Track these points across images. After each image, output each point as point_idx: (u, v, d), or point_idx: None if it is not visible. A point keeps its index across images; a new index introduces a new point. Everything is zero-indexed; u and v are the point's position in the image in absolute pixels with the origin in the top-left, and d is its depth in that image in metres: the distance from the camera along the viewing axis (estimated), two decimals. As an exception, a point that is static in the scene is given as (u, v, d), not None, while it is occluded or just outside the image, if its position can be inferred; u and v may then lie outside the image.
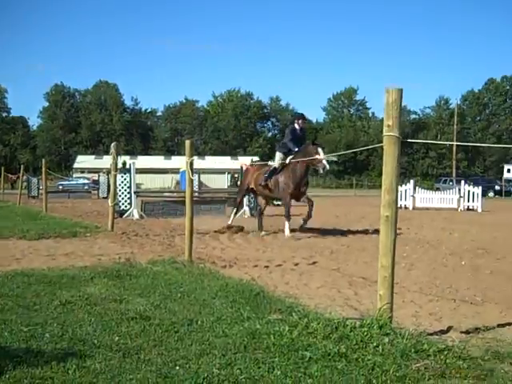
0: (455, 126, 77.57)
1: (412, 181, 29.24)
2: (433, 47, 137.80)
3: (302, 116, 14.21)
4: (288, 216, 13.28)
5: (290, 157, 13.48)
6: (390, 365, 3.86)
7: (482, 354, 4.21)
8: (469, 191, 27.95)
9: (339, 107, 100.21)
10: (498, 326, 5.29)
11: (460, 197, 27.64)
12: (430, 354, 4.12)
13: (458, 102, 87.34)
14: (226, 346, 4.26)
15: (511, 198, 52.33)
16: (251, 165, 16.57)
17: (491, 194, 53.92)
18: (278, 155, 13.86)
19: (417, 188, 29.60)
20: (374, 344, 4.30)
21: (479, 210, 26.96)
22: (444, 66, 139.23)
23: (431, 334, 4.83)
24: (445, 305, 6.28)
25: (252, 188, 14.84)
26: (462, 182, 30.03)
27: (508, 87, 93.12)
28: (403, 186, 28.50)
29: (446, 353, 4.14)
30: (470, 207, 27.53)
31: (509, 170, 62.16)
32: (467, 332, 5.00)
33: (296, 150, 13.34)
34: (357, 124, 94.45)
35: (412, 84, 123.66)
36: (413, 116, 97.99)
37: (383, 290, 4.82)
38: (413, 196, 28.23)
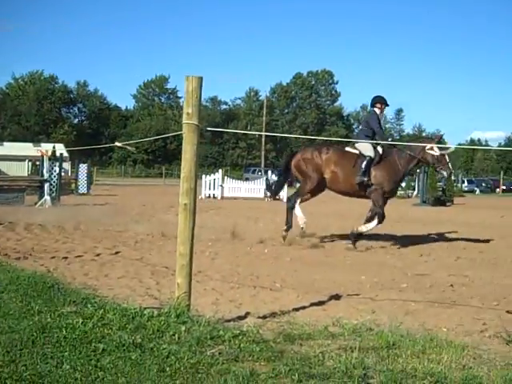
0: (264, 118, 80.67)
1: (220, 170, 29.82)
2: (244, 40, 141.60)
3: (383, 100, 11.72)
4: (381, 220, 10.94)
5: (380, 148, 11.21)
6: (184, 352, 3.89)
7: (275, 337, 4.40)
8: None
9: (150, 95, 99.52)
10: (294, 309, 5.58)
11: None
12: (225, 339, 4.22)
13: (267, 95, 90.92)
14: (12, 342, 4.02)
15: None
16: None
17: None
18: (367, 146, 11.12)
19: (225, 178, 30.26)
20: (171, 333, 4.31)
21: (285, 199, 28.15)
22: (254, 58, 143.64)
23: (229, 321, 4.96)
24: (245, 292, 6.50)
25: (324, 178, 11.47)
26: (269, 172, 31.24)
27: (313, 82, 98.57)
28: (212, 175, 29.06)
29: (240, 337, 4.27)
30: (277, 197, 28.65)
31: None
32: (264, 317, 5.21)
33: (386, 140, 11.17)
34: (167, 113, 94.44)
35: (223, 75, 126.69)
36: (223, 106, 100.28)
37: (181, 279, 4.85)
38: (221, 186, 28.82)
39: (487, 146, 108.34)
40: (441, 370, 3.79)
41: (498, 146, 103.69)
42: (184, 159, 4.88)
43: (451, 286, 7.25)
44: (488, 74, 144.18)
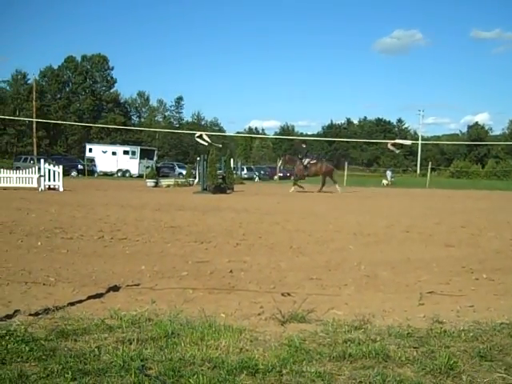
0: (34, 103, 76.82)
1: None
2: (6, 16, 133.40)
3: None
4: None
5: None
6: None
7: (47, 334, 4.24)
8: (49, 170, 28.02)
9: None
10: (69, 304, 5.42)
11: (40, 176, 27.53)
12: (-10, 341, 3.98)
13: (37, 78, 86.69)
14: None
15: (94, 177, 54.39)
16: None
17: (74, 173, 55.05)
18: None
19: (-8, 167, 28.59)
20: None
21: (61, 189, 27.29)
22: (20, 38, 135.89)
23: (-5, 321, 4.69)
24: (15, 288, 6.19)
25: None
26: (42, 160, 29.98)
27: (89, 66, 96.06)
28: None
29: (7, 338, 4.05)
30: (52, 186, 27.67)
31: (91, 150, 64.08)
32: (36, 314, 4.99)
33: None
34: None
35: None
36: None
37: None
38: (-11, 175, 27.17)
39: (264, 134, 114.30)
40: (218, 355, 3.91)
41: (274, 135, 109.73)
42: None
43: (230, 271, 7.51)
44: (262, 68, 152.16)
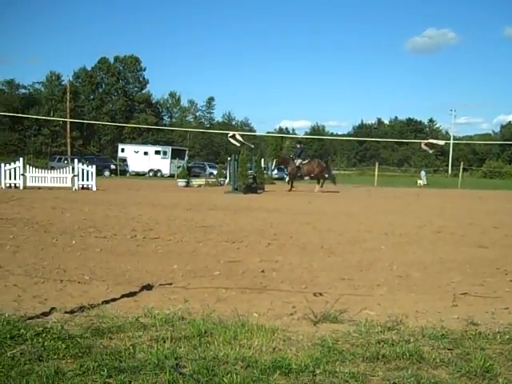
0: (68, 103, 77.79)
1: (21, 159, 28.47)
2: (43, 18, 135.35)
3: None
4: None
5: None
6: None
7: (83, 332, 4.28)
8: (83, 170, 28.33)
9: None
10: (104, 302, 5.46)
11: (74, 175, 27.85)
12: (27, 338, 4.04)
13: (71, 79, 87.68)
14: None
15: (126, 177, 54.86)
16: None
17: (107, 172, 55.57)
18: None
19: (28, 166, 28.91)
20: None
21: (94, 188, 27.56)
22: (55, 39, 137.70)
23: (32, 318, 4.74)
24: (51, 286, 6.25)
25: None
26: (76, 160, 30.33)
27: (121, 67, 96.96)
28: (12, 164, 27.66)
29: (44, 335, 4.10)
30: (85, 186, 27.95)
31: (123, 150, 64.63)
32: (71, 312, 5.04)
33: None
34: None
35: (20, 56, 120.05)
36: (22, 91, 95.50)
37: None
38: (23, 175, 27.49)
39: (295, 134, 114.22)
40: (252, 355, 3.91)
41: (304, 135, 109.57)
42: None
43: (262, 271, 7.50)
44: (293, 68, 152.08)
